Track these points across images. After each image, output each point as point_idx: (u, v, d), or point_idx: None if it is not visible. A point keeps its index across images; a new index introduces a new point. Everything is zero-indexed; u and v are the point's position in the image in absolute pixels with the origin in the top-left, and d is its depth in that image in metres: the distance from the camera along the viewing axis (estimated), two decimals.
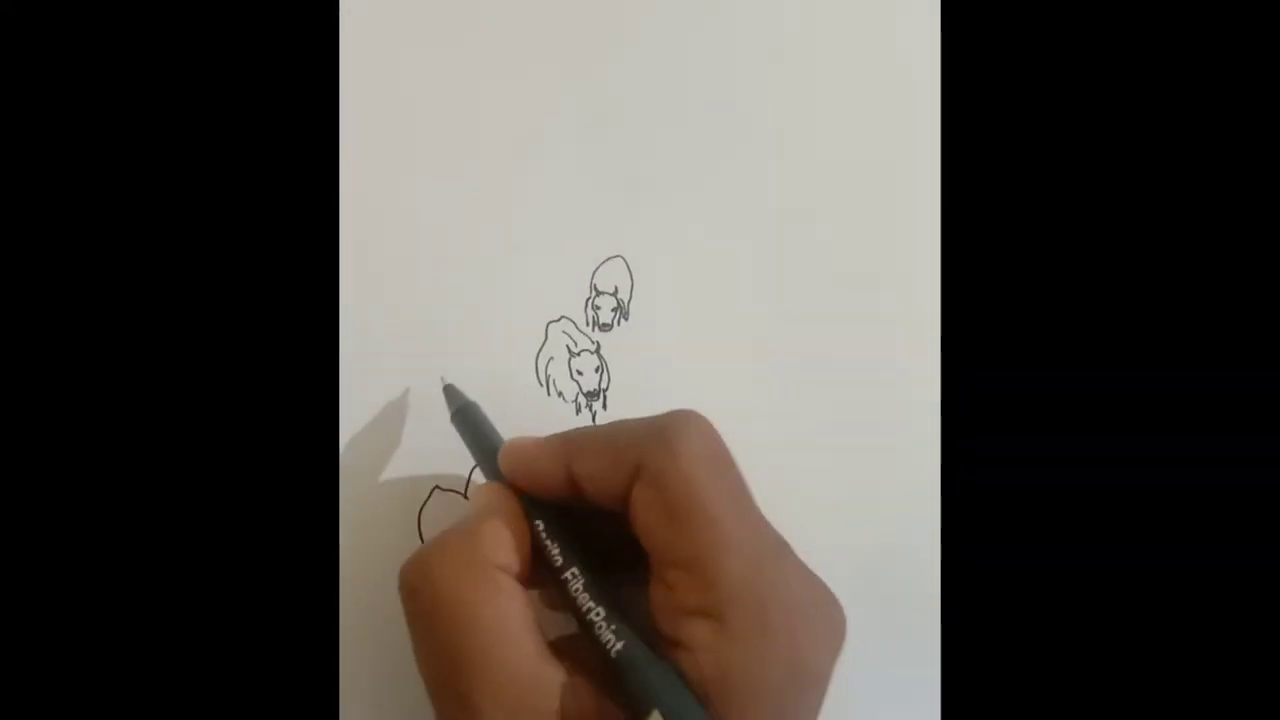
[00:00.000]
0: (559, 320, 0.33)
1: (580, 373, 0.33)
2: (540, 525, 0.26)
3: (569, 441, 0.26)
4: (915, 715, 0.33)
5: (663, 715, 0.22)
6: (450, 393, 0.30)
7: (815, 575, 0.25)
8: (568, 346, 0.33)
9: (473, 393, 0.32)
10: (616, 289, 0.34)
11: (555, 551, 0.25)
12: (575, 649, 0.25)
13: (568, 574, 0.25)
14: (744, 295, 0.35)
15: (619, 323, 0.34)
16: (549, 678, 0.23)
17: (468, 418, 0.29)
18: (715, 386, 0.34)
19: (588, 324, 0.34)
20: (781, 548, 0.25)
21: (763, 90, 0.36)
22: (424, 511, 0.32)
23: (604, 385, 0.33)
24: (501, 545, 0.25)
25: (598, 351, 0.33)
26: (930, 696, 0.31)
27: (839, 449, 0.35)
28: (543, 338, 0.33)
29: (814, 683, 0.24)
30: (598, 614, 0.24)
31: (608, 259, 0.34)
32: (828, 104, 0.37)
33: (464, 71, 0.34)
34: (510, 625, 0.24)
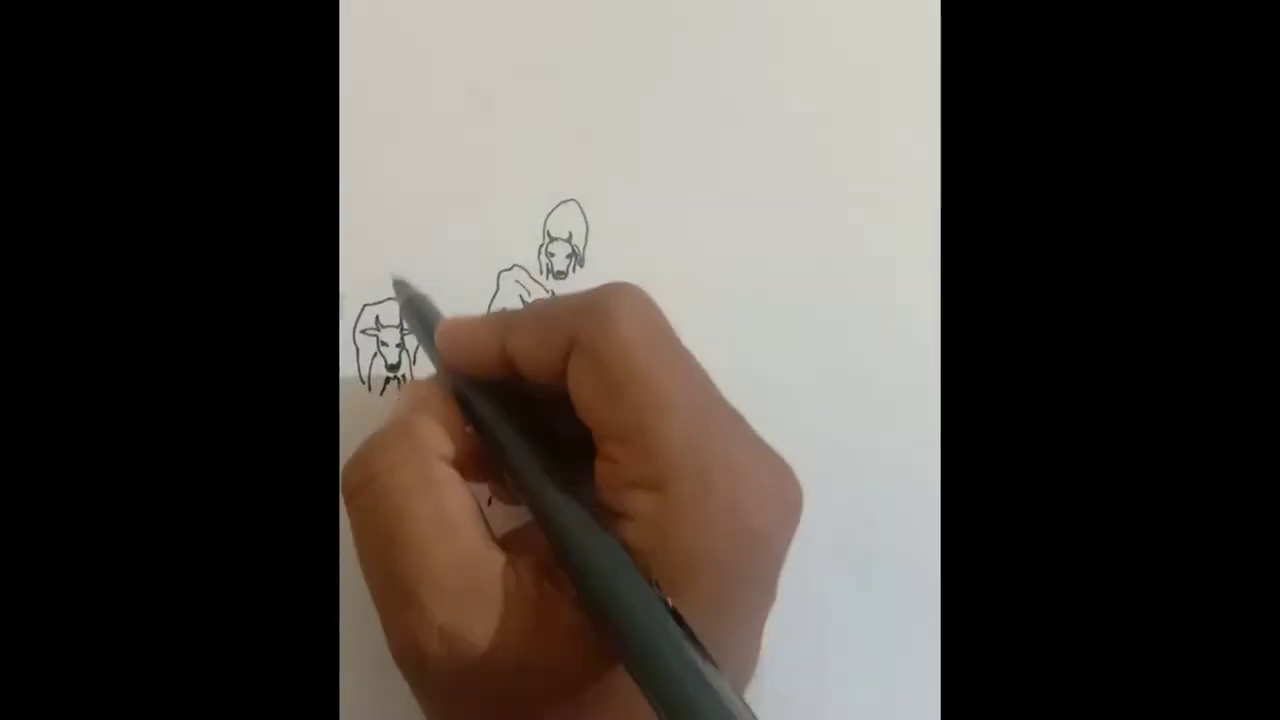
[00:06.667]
0: (511, 269, 0.32)
1: None
2: (483, 410, 0.25)
3: (504, 319, 0.25)
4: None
5: (607, 584, 0.21)
6: (399, 286, 0.30)
7: (770, 448, 0.24)
8: (521, 296, 0.32)
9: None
10: (570, 234, 0.32)
11: (499, 435, 0.25)
12: (523, 539, 0.25)
13: (509, 454, 0.24)
14: (708, 238, 0.33)
15: (574, 270, 0.32)
16: (491, 562, 0.23)
17: (415, 308, 0.28)
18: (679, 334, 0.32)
19: (541, 272, 0.32)
20: (732, 419, 0.24)
21: (729, 21, 0.34)
22: None
23: None
24: (438, 434, 0.24)
25: None
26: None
27: (822, 393, 0.33)
28: (494, 288, 0.32)
29: (762, 549, 0.23)
30: (541, 483, 0.23)
31: (560, 203, 0.32)
32: (800, 36, 0.35)
33: (409, 16, 0.32)
34: (451, 514, 0.23)
